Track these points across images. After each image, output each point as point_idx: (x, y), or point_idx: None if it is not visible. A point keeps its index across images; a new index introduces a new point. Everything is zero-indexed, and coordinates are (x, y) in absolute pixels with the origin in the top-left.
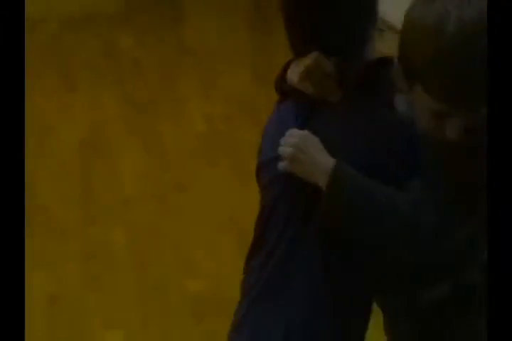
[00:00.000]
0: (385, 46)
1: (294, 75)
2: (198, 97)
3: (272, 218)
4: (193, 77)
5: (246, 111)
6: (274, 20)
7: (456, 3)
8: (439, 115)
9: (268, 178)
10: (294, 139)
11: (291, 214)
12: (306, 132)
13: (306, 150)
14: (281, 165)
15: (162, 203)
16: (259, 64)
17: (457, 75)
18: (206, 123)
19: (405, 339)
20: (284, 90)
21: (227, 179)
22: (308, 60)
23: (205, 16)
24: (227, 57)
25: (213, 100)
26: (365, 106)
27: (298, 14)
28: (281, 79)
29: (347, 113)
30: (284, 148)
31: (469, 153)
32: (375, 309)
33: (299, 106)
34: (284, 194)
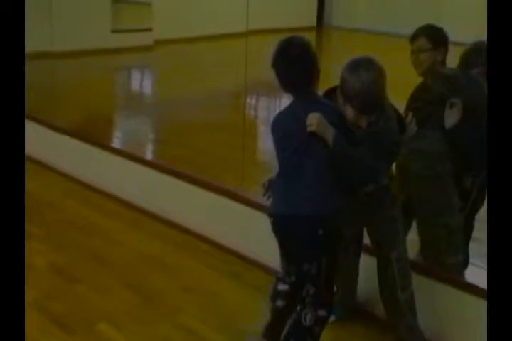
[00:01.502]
0: None
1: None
2: None
3: (297, 150)
4: None
5: None
6: None
7: (362, 74)
8: (356, 117)
9: (279, 135)
10: (318, 115)
11: (309, 145)
12: (320, 114)
13: (323, 122)
14: (310, 128)
15: None
16: None
17: (364, 103)
18: None
19: (350, 220)
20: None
21: None
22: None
23: None
24: None
25: None
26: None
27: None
28: None
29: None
30: (312, 120)
31: (371, 131)
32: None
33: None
34: (306, 141)
